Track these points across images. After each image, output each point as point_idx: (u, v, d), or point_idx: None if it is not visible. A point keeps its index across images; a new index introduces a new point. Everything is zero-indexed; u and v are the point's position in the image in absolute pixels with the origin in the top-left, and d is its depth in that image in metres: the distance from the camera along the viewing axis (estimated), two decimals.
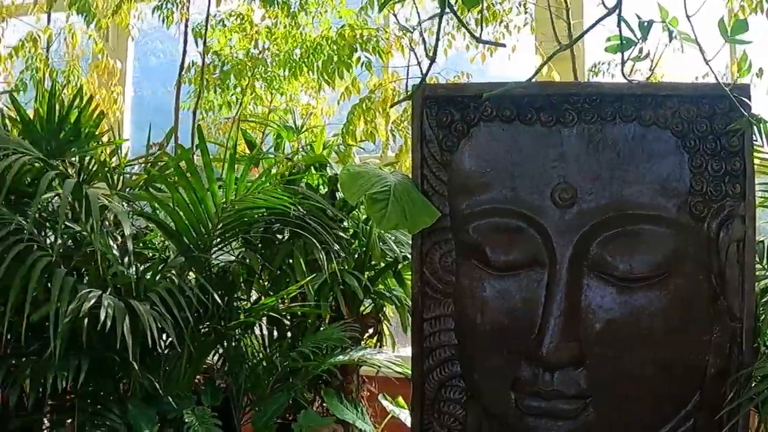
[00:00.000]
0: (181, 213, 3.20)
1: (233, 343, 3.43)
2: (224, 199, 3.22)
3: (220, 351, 3.53)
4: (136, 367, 2.91)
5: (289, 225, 3.56)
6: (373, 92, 4.60)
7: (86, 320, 2.88)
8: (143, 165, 3.79)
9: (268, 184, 3.25)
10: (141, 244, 3.45)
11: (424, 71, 2.92)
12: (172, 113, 4.76)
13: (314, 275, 3.39)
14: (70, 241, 3.28)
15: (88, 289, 2.90)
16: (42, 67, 5.05)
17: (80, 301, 2.85)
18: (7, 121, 3.45)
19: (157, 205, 3.42)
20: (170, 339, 3.05)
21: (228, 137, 3.69)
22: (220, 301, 3.21)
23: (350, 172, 3.18)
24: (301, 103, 5.01)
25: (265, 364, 3.41)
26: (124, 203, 3.28)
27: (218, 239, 3.33)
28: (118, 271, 3.16)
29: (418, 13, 3.93)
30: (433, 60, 2.85)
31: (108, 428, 3.08)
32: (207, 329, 3.26)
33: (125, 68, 5.79)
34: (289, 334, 3.82)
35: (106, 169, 3.51)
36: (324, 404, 3.73)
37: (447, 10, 2.63)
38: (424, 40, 3.57)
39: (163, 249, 3.46)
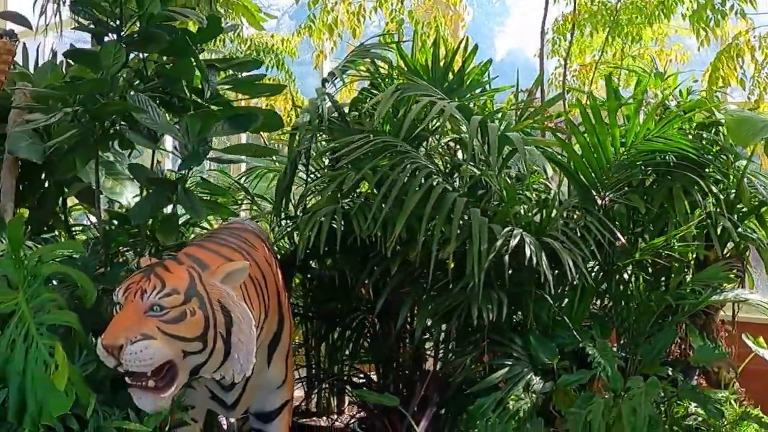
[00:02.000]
0: (583, 156, 3.44)
1: (621, 281, 3.63)
2: (624, 143, 3.42)
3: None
4: (551, 301, 3.18)
5: (661, 167, 3.72)
6: (737, 39, 4.71)
7: (507, 257, 3.13)
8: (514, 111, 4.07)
9: (667, 128, 3.42)
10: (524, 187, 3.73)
11: None
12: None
13: (700, 216, 3.55)
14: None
15: (509, 228, 3.18)
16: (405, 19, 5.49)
17: (504, 239, 3.11)
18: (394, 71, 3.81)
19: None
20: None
21: (590, 83, 3.90)
22: (618, 240, 3.46)
23: (735, 117, 3.38)
24: (652, 50, 5.19)
25: (651, 301, 3.57)
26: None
27: (613, 181, 3.54)
28: (518, 212, 3.42)
29: None
30: None
31: (514, 359, 3.34)
32: (599, 267, 3.49)
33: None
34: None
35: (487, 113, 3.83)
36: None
37: None
38: None
39: (548, 191, 3.73)
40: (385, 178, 3.40)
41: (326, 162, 4.05)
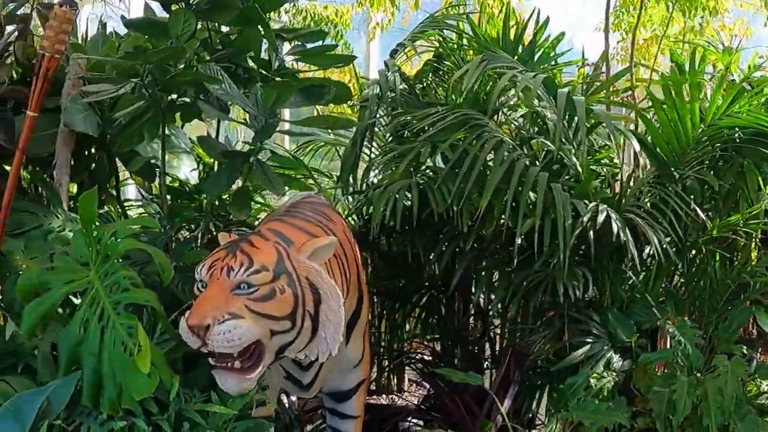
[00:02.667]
0: (662, 131, 3.28)
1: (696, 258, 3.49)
2: (703, 119, 3.26)
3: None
4: (633, 277, 3.04)
5: (729, 143, 3.56)
6: None
7: (591, 233, 2.99)
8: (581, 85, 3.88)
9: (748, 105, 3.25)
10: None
11: None
12: None
13: None
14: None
15: (595, 203, 3.03)
16: None
17: (591, 215, 2.97)
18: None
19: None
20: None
21: (654, 59, 3.72)
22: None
23: None
24: (713, 24, 4.97)
25: (727, 278, 3.42)
26: None
27: (691, 157, 3.38)
28: (595, 187, 3.28)
29: None
30: None
31: (593, 337, 3.21)
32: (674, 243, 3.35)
33: None
34: None
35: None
36: None
37: None
38: None
39: (615, 166, 3.58)
40: (463, 152, 3.22)
41: (388, 136, 3.86)
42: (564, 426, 3.02)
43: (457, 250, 3.50)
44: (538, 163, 3.42)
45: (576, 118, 3.33)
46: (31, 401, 2.71)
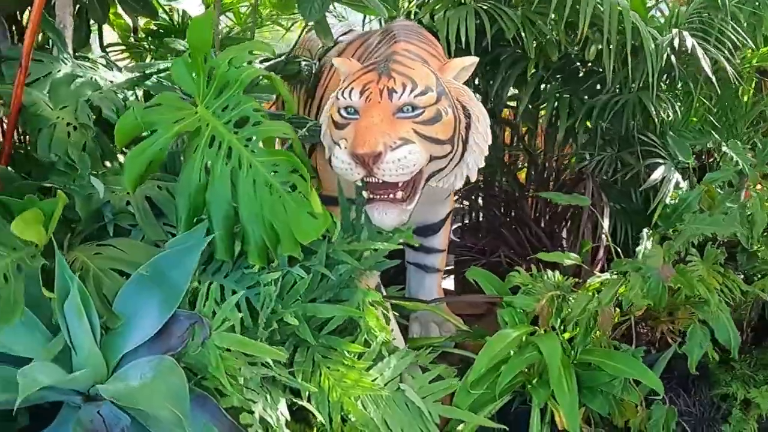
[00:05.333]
0: None
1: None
2: None
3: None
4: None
5: None
6: None
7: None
8: None
9: None
10: None
11: None
12: None
13: None
14: None
15: (675, 29, 3.11)
16: None
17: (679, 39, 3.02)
18: None
19: None
20: None
21: None
22: None
23: None
24: None
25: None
26: None
27: None
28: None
29: None
30: None
31: (655, 156, 3.29)
32: None
33: None
34: None
35: None
36: None
37: None
38: None
39: None
40: None
41: None
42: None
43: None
44: None
45: None
46: (177, 264, 2.29)
